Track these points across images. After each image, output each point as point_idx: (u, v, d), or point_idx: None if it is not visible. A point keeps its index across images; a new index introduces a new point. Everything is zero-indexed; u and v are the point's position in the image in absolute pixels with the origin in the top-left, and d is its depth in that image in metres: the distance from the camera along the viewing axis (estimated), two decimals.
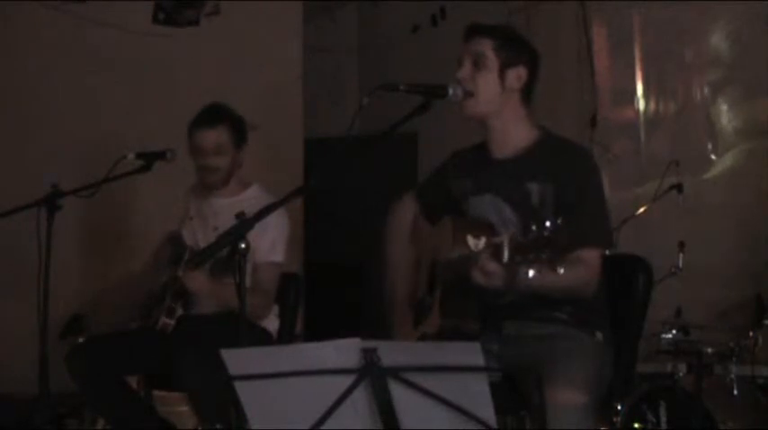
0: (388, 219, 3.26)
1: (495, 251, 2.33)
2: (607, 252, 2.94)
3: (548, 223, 2.15)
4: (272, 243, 3.67)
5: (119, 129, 5.25)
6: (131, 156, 3.77)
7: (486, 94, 2.88)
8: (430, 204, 3.17)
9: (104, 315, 4.92)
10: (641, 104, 5.59)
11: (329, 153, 4.18)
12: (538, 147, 2.93)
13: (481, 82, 2.88)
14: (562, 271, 2.16)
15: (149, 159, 3.78)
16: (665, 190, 4.71)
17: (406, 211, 3.23)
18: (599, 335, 2.90)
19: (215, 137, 3.73)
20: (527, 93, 2.95)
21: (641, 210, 4.70)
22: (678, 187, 4.68)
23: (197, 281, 3.52)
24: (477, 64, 2.89)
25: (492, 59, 2.89)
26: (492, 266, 2.42)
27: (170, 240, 3.96)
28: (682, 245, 4.44)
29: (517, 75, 2.91)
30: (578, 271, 2.71)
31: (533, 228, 2.17)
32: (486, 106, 2.90)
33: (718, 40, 5.33)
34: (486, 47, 2.89)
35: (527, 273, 2.22)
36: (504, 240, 2.29)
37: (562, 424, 2.59)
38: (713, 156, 5.29)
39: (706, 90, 5.37)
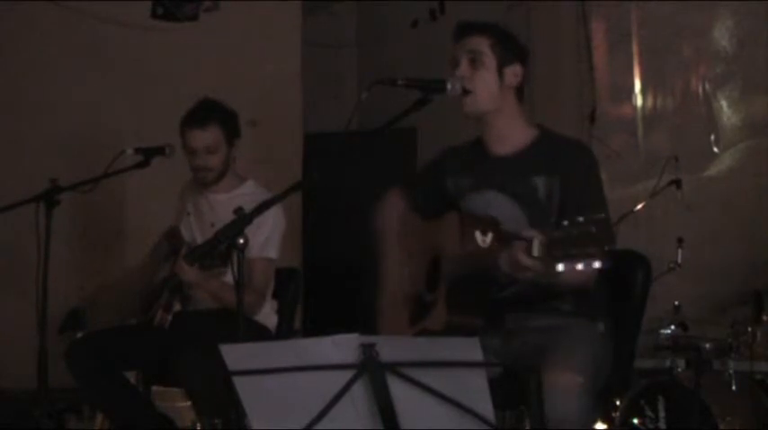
0: (375, 216, 3.24)
1: (527, 246, 2.37)
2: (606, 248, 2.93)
3: (581, 218, 2.17)
4: (266, 238, 3.66)
5: (117, 124, 5.25)
6: (130, 151, 3.77)
7: (485, 92, 2.89)
8: (423, 200, 3.16)
9: (103, 310, 4.92)
10: (639, 100, 5.58)
11: (328, 148, 4.17)
12: (538, 145, 2.94)
13: (480, 80, 2.88)
14: (598, 264, 2.18)
15: (148, 154, 3.78)
16: (664, 186, 4.72)
17: (394, 207, 3.21)
18: (600, 325, 2.91)
19: (205, 137, 3.71)
20: (522, 90, 2.96)
21: (640, 206, 4.70)
22: (677, 183, 4.68)
23: (189, 273, 3.52)
24: (475, 62, 2.89)
25: (490, 57, 2.89)
26: (527, 261, 2.44)
27: (168, 236, 3.96)
28: (680, 241, 4.44)
29: (514, 72, 2.92)
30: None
31: (565, 223, 2.19)
32: (485, 104, 2.90)
33: (717, 36, 5.33)
34: (483, 45, 2.90)
35: (558, 267, 2.23)
36: (536, 236, 2.31)
37: (561, 409, 2.59)
38: (716, 149, 5.29)
39: (705, 86, 5.37)
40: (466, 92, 2.84)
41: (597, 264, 2.18)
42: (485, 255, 2.61)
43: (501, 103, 2.92)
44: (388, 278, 3.11)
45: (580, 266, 2.19)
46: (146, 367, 3.72)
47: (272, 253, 3.71)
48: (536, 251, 2.35)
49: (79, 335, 4.33)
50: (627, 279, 3.07)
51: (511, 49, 2.92)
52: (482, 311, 2.80)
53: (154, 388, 3.80)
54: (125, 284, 4.46)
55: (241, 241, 2.45)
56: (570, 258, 2.20)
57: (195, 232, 3.82)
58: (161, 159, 3.79)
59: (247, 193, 3.72)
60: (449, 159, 3.14)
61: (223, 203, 3.64)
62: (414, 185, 3.25)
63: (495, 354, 2.84)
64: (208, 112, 3.74)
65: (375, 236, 3.20)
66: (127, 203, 5.35)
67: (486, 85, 2.88)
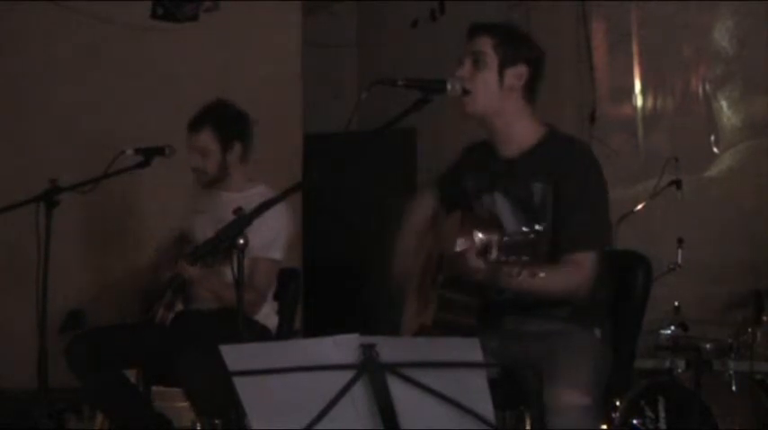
0: (407, 211, 3.23)
1: (484, 249, 2.33)
2: (606, 248, 2.94)
3: (536, 226, 2.17)
4: (272, 240, 3.67)
5: (118, 124, 5.25)
6: (130, 151, 3.78)
7: (485, 93, 2.87)
8: (448, 198, 3.16)
9: (103, 310, 4.93)
10: (639, 100, 5.59)
11: (328, 148, 4.18)
12: (542, 147, 2.92)
13: (480, 81, 2.86)
14: (542, 274, 2.18)
15: (148, 155, 3.79)
16: (664, 186, 4.72)
17: (426, 204, 3.22)
18: (597, 331, 2.91)
19: (197, 140, 3.77)
20: (530, 91, 2.93)
21: (640, 206, 4.71)
22: (677, 183, 4.68)
23: (190, 270, 3.53)
24: (477, 62, 2.87)
25: (491, 57, 2.87)
26: (476, 263, 2.43)
27: (177, 239, 3.99)
28: (680, 241, 4.44)
29: (517, 73, 2.89)
30: (569, 273, 2.72)
31: (523, 229, 2.18)
32: (485, 105, 2.88)
33: (717, 37, 5.33)
34: (486, 45, 2.88)
35: (518, 274, 2.22)
36: (494, 239, 2.29)
37: (563, 423, 2.59)
38: (716, 150, 5.29)
39: (705, 86, 5.37)
40: (466, 92, 2.83)
41: (542, 274, 2.19)
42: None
43: (502, 105, 2.89)
44: (411, 272, 3.11)
45: (542, 275, 2.19)
46: (146, 365, 3.72)
47: (277, 254, 3.73)
48: (494, 255, 2.28)
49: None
50: (627, 279, 3.07)
51: (516, 49, 2.89)
52: (471, 311, 2.80)
53: (154, 388, 3.81)
54: (125, 284, 4.46)
55: (241, 241, 2.46)
56: (509, 265, 2.20)
57: (206, 229, 3.83)
58: (162, 159, 3.80)
59: (257, 194, 3.73)
60: (466, 158, 3.14)
61: (234, 202, 3.65)
62: (439, 184, 3.25)
63: (493, 356, 2.83)
64: (204, 116, 3.79)
65: (401, 229, 3.20)
66: (127, 203, 5.35)
67: (486, 86, 2.86)
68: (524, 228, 2.19)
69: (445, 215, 3.13)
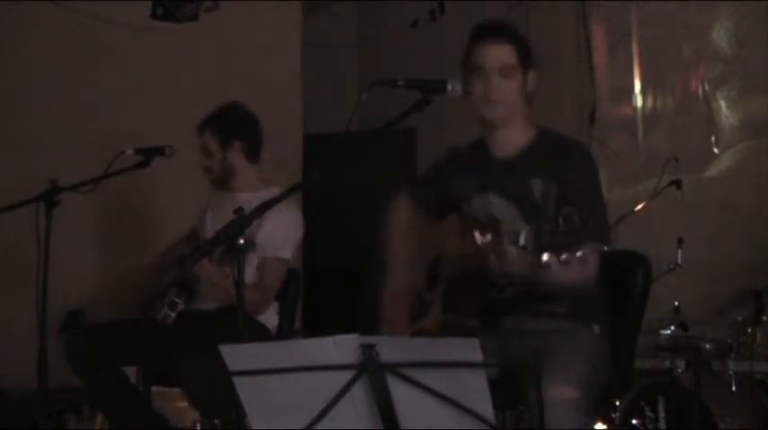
0: (385, 217, 3.25)
1: (514, 237, 2.34)
2: (605, 248, 2.94)
3: (568, 210, 2.17)
4: (283, 240, 3.71)
5: (117, 124, 5.25)
6: (130, 151, 3.78)
7: (511, 101, 2.91)
8: (428, 202, 3.16)
9: (103, 310, 4.92)
10: (639, 100, 5.59)
11: (328, 148, 4.19)
12: (538, 146, 2.94)
13: (509, 89, 2.89)
14: (580, 253, 2.18)
15: (148, 155, 3.80)
16: (664, 186, 4.72)
17: (402, 209, 3.23)
18: (596, 327, 2.91)
19: (202, 141, 3.87)
20: (532, 95, 2.97)
21: (640, 206, 4.71)
22: (677, 183, 4.69)
23: (206, 268, 3.53)
24: (505, 73, 2.89)
25: (518, 68, 2.91)
26: (513, 251, 2.43)
27: (184, 237, 3.99)
28: (680, 241, 4.44)
29: (533, 79, 2.94)
30: (576, 268, 2.73)
31: (560, 221, 2.19)
32: (508, 113, 2.92)
33: (716, 37, 5.34)
34: (512, 55, 2.91)
35: (550, 262, 2.22)
36: (522, 228, 2.30)
37: (560, 419, 2.60)
38: (716, 150, 5.30)
39: (705, 86, 5.37)
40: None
41: (580, 254, 2.19)
42: (483, 255, 2.61)
43: (520, 110, 2.94)
44: (392, 276, 3.12)
45: (564, 256, 2.19)
46: (147, 362, 3.73)
47: (287, 254, 3.77)
48: (522, 240, 2.31)
49: None
50: (627, 279, 3.07)
51: (532, 55, 2.94)
52: (477, 312, 2.80)
53: (154, 388, 3.81)
54: (125, 284, 4.45)
55: (241, 241, 2.46)
56: (555, 249, 2.20)
57: (212, 228, 3.85)
58: (162, 159, 3.81)
59: (271, 195, 3.74)
60: (452, 161, 3.14)
61: (247, 202, 3.67)
62: (420, 186, 3.25)
63: (493, 356, 2.84)
64: (209, 118, 3.87)
65: (383, 234, 3.21)
66: (127, 204, 5.35)
67: (514, 95, 2.90)
68: (561, 223, 2.20)
69: (423, 219, 3.14)
